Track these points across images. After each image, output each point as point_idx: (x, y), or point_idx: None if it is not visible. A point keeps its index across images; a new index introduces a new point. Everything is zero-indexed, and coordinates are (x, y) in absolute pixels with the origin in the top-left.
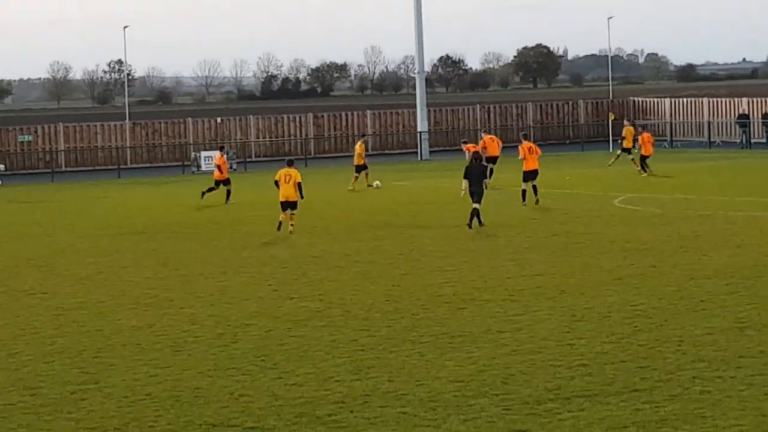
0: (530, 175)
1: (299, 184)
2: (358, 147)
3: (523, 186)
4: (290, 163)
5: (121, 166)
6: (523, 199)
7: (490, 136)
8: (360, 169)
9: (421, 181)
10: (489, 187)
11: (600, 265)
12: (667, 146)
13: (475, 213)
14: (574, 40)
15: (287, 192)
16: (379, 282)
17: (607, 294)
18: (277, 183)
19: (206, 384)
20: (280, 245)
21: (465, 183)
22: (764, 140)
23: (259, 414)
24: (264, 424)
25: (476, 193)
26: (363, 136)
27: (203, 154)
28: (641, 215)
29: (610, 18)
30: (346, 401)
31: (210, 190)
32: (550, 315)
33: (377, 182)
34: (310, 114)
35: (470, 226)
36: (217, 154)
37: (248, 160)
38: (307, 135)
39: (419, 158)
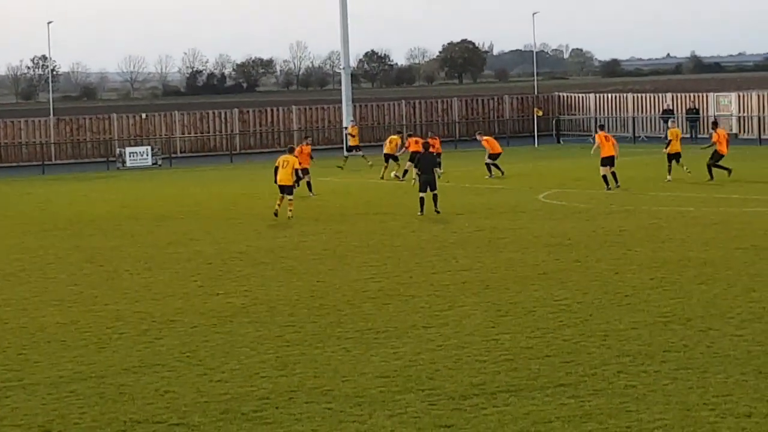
0: (608, 161)
1: (296, 170)
2: (395, 138)
3: (602, 171)
4: (290, 150)
5: (46, 162)
6: (607, 184)
7: (486, 138)
8: (389, 158)
9: (346, 177)
10: (440, 177)
11: (525, 260)
12: (592, 141)
13: (423, 201)
14: (500, 36)
15: (283, 176)
16: (304, 278)
17: (532, 289)
18: (276, 169)
19: (131, 381)
20: (205, 241)
21: (415, 171)
22: (689, 135)
23: (184, 410)
24: (189, 421)
25: (428, 182)
26: (399, 132)
27: (128, 150)
28: (566, 210)
29: (535, 13)
30: (272, 397)
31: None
32: (476, 310)
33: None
34: (235, 110)
35: (421, 213)
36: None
37: (173, 156)
38: (232, 131)
39: (345, 153)
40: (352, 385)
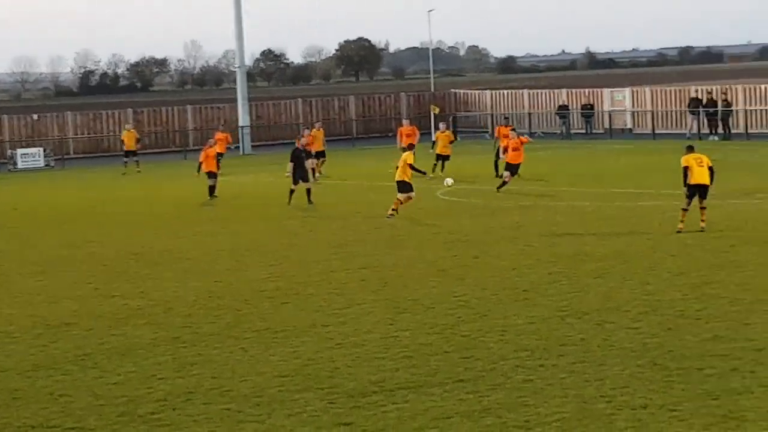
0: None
1: (410, 165)
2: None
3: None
4: (408, 148)
5: None
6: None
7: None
8: (440, 158)
9: (243, 176)
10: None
11: (423, 257)
12: (488, 138)
13: (293, 192)
14: (396, 34)
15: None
16: (201, 278)
17: (431, 285)
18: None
19: (25, 385)
20: (100, 243)
21: (290, 166)
22: (584, 131)
23: (79, 414)
24: (85, 425)
25: (300, 176)
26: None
27: (20, 151)
28: (464, 207)
29: (431, 11)
30: (169, 399)
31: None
32: (374, 308)
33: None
34: (129, 110)
35: (289, 203)
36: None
37: (66, 156)
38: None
39: (241, 153)
40: (251, 385)
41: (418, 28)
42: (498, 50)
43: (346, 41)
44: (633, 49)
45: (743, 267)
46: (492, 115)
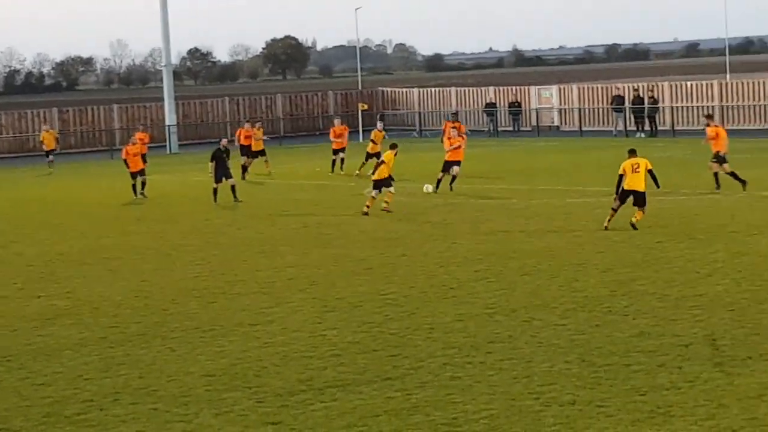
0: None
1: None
2: (374, 135)
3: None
4: (393, 147)
5: None
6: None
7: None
8: (372, 156)
9: (170, 175)
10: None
11: (351, 255)
12: (416, 135)
13: (216, 191)
14: (323, 31)
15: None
16: (128, 278)
17: (358, 284)
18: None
19: None
20: (25, 243)
21: (211, 165)
22: (511, 129)
23: (4, 415)
24: (10, 426)
25: (223, 174)
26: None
27: None
28: (392, 205)
29: (358, 9)
30: (96, 399)
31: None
32: (302, 306)
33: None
34: (54, 109)
35: (215, 201)
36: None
37: None
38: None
39: (168, 151)
40: (178, 384)
41: (345, 26)
42: (425, 48)
43: (273, 39)
44: (560, 47)
45: (670, 263)
46: (419, 113)
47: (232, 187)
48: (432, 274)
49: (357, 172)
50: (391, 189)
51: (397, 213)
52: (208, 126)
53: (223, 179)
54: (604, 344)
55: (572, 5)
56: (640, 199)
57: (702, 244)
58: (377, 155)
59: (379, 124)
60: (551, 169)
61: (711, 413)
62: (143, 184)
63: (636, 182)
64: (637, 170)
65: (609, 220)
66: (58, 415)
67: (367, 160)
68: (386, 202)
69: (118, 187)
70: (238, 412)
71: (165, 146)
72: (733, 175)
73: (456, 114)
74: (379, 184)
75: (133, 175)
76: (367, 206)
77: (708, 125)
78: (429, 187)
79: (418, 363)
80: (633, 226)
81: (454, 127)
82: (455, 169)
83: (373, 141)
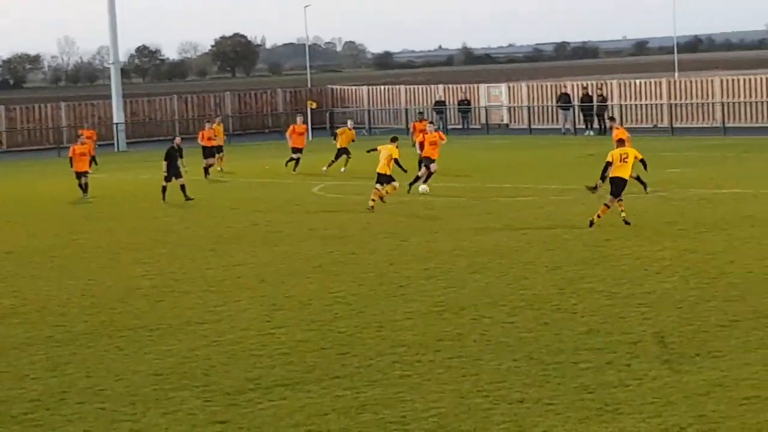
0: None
1: (396, 159)
2: (342, 132)
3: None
4: (393, 140)
5: None
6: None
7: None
8: (341, 152)
9: (118, 173)
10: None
11: (300, 253)
12: (366, 133)
13: (165, 189)
14: (272, 29)
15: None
16: (76, 276)
17: (308, 282)
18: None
19: None
20: None
21: (164, 164)
22: (461, 126)
23: None
24: None
25: (174, 173)
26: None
27: None
28: (341, 202)
29: (307, 6)
30: (43, 399)
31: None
32: (251, 305)
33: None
34: (1, 107)
35: (163, 200)
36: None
37: None
38: None
39: (116, 149)
40: (126, 383)
41: (294, 23)
42: (375, 46)
43: (222, 37)
44: (509, 45)
45: (619, 261)
46: (369, 111)
47: (182, 187)
48: (381, 272)
49: (325, 168)
50: (395, 183)
51: (347, 211)
52: (157, 124)
53: (173, 179)
54: (553, 342)
55: (522, 4)
56: (622, 186)
57: (650, 241)
58: (346, 152)
59: (350, 123)
60: (500, 167)
61: (659, 410)
62: (86, 185)
63: (623, 171)
64: (626, 160)
65: (599, 216)
66: (5, 414)
67: (337, 157)
68: (387, 193)
69: (66, 185)
70: (186, 411)
71: (113, 144)
72: (637, 178)
73: (422, 114)
74: (382, 179)
75: (78, 175)
76: (373, 201)
77: (611, 127)
78: (424, 188)
79: (367, 361)
80: (626, 221)
81: (431, 123)
82: (433, 166)
83: (341, 138)
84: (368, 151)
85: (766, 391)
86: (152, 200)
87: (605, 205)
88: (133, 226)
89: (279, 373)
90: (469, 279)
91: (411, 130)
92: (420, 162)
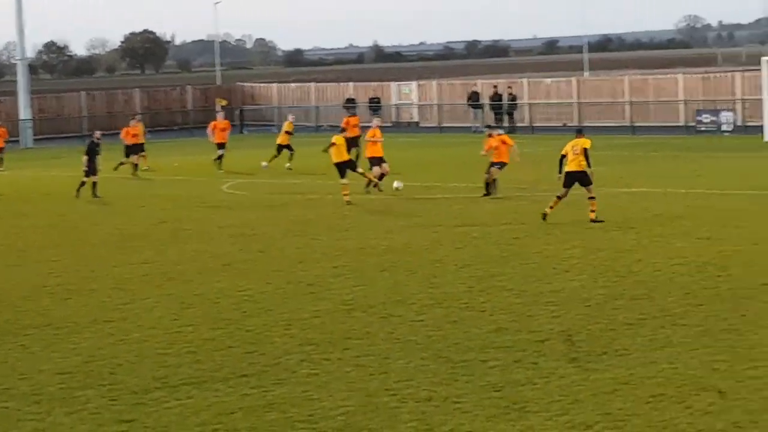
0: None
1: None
2: (287, 126)
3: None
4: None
5: None
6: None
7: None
8: (282, 148)
9: (24, 170)
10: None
11: (209, 251)
12: (275, 131)
13: (83, 185)
14: (182, 26)
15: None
16: None
17: (216, 280)
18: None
19: None
20: None
21: (85, 159)
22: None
23: None
24: None
25: (91, 169)
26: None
27: None
28: (250, 200)
29: (217, 3)
30: None
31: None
32: (158, 303)
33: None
34: None
35: (77, 195)
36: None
37: None
38: None
39: (22, 146)
40: (30, 382)
41: (204, 20)
42: (285, 43)
43: (131, 33)
44: (420, 43)
45: (528, 259)
46: (279, 108)
47: (93, 184)
48: (290, 270)
49: (263, 164)
50: (378, 168)
51: (255, 209)
52: (65, 120)
53: (90, 176)
54: (461, 340)
55: (433, 1)
56: (584, 179)
57: (559, 240)
58: (288, 147)
59: (290, 117)
60: (410, 166)
61: (566, 408)
62: None
63: (574, 163)
64: (576, 152)
65: (551, 207)
66: None
67: (279, 152)
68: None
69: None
70: (91, 410)
71: (17, 141)
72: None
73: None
74: (375, 161)
75: None
76: (375, 185)
77: (490, 135)
78: (398, 184)
79: (275, 360)
80: (594, 221)
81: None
82: (384, 166)
83: (287, 132)
84: (324, 150)
85: (672, 389)
86: (59, 197)
87: (557, 197)
88: (39, 224)
89: (186, 371)
90: (378, 277)
91: (343, 125)
92: (370, 162)
